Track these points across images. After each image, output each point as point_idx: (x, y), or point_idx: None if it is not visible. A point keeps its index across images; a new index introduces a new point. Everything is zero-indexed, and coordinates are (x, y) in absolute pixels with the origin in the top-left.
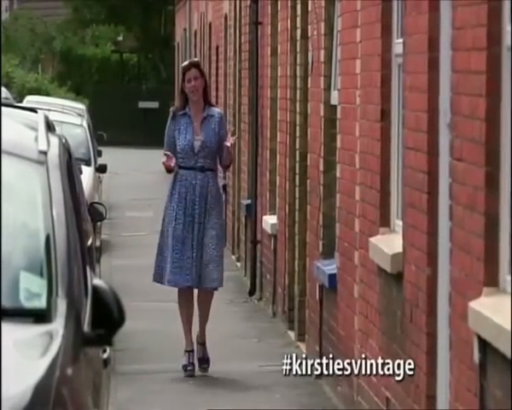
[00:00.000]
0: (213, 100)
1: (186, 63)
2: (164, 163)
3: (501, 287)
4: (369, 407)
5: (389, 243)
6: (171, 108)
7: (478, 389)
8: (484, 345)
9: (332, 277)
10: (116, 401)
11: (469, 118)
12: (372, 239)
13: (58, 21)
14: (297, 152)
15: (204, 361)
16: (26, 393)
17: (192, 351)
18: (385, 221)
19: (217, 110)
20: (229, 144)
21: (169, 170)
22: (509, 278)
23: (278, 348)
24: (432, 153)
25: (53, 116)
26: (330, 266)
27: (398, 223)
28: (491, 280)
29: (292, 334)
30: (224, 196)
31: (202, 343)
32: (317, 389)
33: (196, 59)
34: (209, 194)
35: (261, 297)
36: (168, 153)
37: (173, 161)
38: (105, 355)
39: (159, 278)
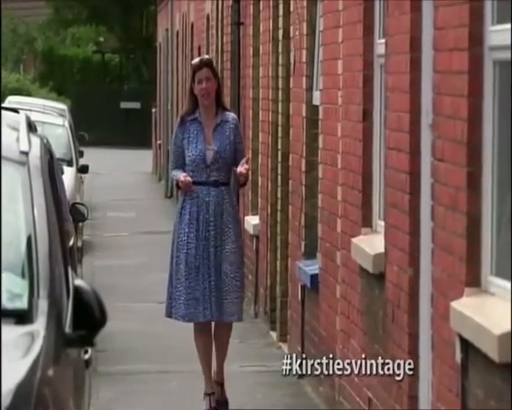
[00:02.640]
0: None
1: (196, 61)
2: (180, 186)
3: (483, 287)
4: (351, 407)
5: (371, 244)
6: (181, 113)
7: (459, 389)
8: (466, 345)
9: (314, 277)
10: (98, 401)
11: (451, 118)
12: (354, 239)
13: (40, 22)
14: (279, 152)
15: (221, 403)
16: (8, 394)
17: (213, 394)
18: (367, 222)
19: (231, 115)
20: (243, 170)
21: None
22: (490, 278)
23: (260, 349)
24: (414, 153)
25: (34, 117)
26: (312, 267)
27: (380, 223)
28: (473, 280)
29: (274, 334)
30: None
31: (220, 383)
32: (298, 389)
33: (207, 56)
34: (225, 212)
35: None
36: (185, 175)
37: (191, 183)
38: (87, 356)
39: (171, 312)
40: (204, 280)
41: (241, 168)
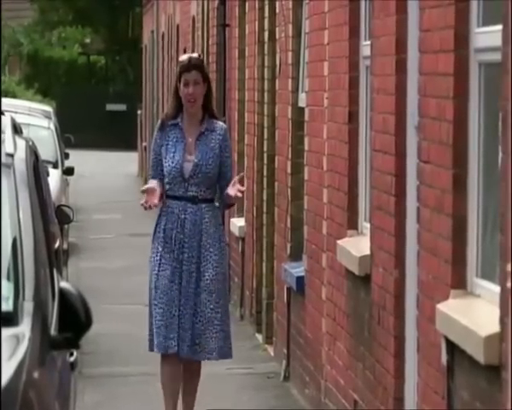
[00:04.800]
0: None
1: (185, 60)
2: (142, 204)
3: (468, 289)
4: (337, 409)
5: (357, 246)
6: (162, 116)
7: (445, 391)
8: (451, 347)
9: (300, 279)
10: (83, 404)
11: (437, 120)
12: (340, 242)
13: (25, 24)
14: (265, 154)
15: None
16: None
17: None
18: (352, 224)
19: (219, 124)
20: (232, 194)
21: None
22: (476, 280)
23: (246, 351)
24: (399, 155)
25: (20, 119)
26: (298, 269)
27: (365, 225)
28: (459, 282)
29: (260, 337)
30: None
31: None
32: (284, 391)
33: (196, 55)
34: (204, 233)
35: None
36: (150, 186)
37: (155, 198)
38: (72, 358)
39: (150, 345)
40: (174, 307)
41: (232, 190)
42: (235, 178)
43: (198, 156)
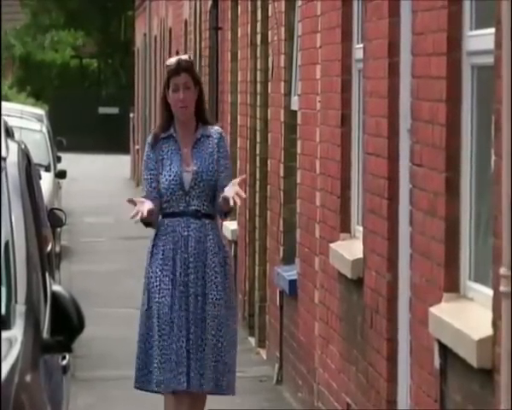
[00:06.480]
0: None
1: (172, 63)
2: (132, 216)
3: (461, 292)
4: None
5: (349, 249)
6: (153, 130)
7: (438, 394)
8: (444, 350)
9: (292, 282)
10: (76, 407)
11: (429, 123)
12: (332, 245)
13: (17, 27)
14: (257, 158)
15: None
16: None
17: None
18: (345, 227)
19: (215, 129)
20: (230, 196)
21: (147, 221)
22: (469, 283)
23: (239, 355)
24: (392, 158)
25: (12, 122)
26: (291, 272)
27: (358, 229)
28: (452, 286)
29: (252, 340)
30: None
31: None
32: (277, 394)
33: (186, 56)
34: (209, 251)
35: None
36: (137, 198)
37: (145, 208)
38: (64, 362)
39: (144, 383)
40: (179, 338)
41: (230, 191)
42: (236, 180)
43: (197, 164)
